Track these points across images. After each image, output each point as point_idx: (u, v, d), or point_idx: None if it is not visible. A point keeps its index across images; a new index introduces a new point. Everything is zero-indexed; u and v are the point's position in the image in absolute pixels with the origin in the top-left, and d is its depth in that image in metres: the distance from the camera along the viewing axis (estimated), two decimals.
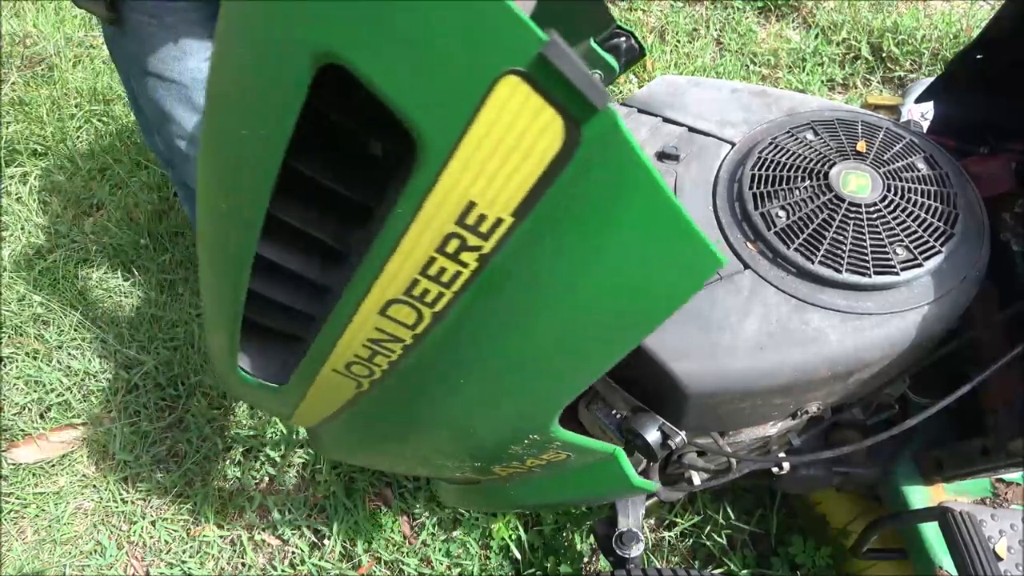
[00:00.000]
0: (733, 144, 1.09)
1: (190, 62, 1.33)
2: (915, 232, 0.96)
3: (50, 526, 1.66)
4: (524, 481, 1.05)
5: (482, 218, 0.60)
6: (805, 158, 1.02)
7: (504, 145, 0.56)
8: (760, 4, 2.70)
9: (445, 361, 0.77)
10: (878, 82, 2.48)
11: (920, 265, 0.94)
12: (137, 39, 1.31)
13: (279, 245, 0.74)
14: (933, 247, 0.95)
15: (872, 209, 0.97)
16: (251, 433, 1.76)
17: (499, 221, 0.60)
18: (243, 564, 1.62)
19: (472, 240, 0.62)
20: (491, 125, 0.55)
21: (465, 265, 0.64)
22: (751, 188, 1.00)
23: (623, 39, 1.11)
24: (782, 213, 0.98)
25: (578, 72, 0.50)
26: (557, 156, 0.55)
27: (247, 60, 0.62)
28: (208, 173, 0.74)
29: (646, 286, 0.66)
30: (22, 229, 2.15)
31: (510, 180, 0.58)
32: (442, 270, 0.65)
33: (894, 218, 0.97)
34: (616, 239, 0.62)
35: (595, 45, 1.08)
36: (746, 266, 0.96)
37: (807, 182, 1.00)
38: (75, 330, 1.94)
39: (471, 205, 0.60)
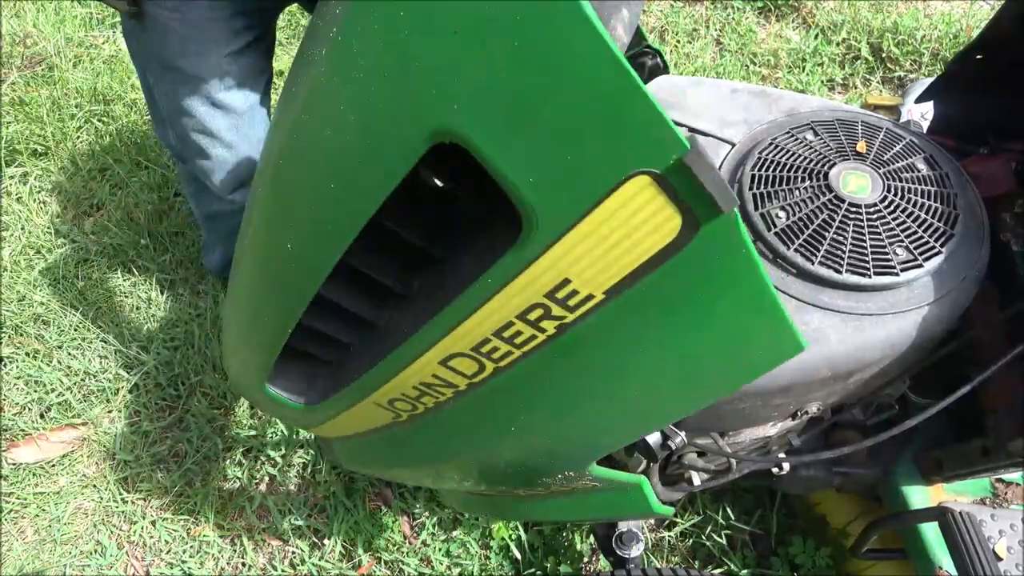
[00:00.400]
0: (733, 144, 1.09)
1: (210, 58, 1.34)
2: (915, 232, 0.96)
3: (50, 526, 1.66)
4: (542, 500, 1.06)
5: (573, 293, 0.60)
6: (805, 158, 1.02)
7: (615, 235, 0.55)
8: (760, 4, 2.70)
9: (495, 408, 0.77)
10: (878, 82, 2.48)
11: (920, 266, 0.94)
12: (158, 33, 1.31)
13: (336, 284, 0.73)
14: (933, 247, 0.95)
15: (872, 209, 0.97)
16: (251, 433, 1.76)
17: (589, 297, 0.60)
18: (243, 564, 1.62)
19: (556, 311, 0.62)
20: (607, 218, 0.54)
21: (543, 331, 0.64)
22: (751, 188, 1.00)
23: (649, 57, 1.11)
24: (782, 214, 0.98)
25: (714, 179, 0.50)
26: (665, 248, 0.55)
27: (357, 123, 0.61)
28: (277, 212, 0.73)
29: (723, 365, 0.66)
30: (22, 229, 2.15)
31: (612, 265, 0.58)
32: (518, 333, 0.65)
33: (894, 218, 0.97)
34: (705, 325, 0.62)
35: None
36: None
37: (807, 182, 1.00)
38: (75, 330, 1.94)
39: (565, 282, 0.59)
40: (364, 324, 0.80)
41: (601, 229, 0.55)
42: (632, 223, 0.54)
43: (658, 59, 1.11)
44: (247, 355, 0.91)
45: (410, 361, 0.73)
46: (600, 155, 0.52)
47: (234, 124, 1.45)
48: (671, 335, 0.63)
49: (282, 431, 1.76)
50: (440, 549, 1.60)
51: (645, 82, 1.13)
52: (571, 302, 0.61)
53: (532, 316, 0.63)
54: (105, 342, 1.92)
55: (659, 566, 1.27)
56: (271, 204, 0.74)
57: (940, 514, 1.06)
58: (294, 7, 1.54)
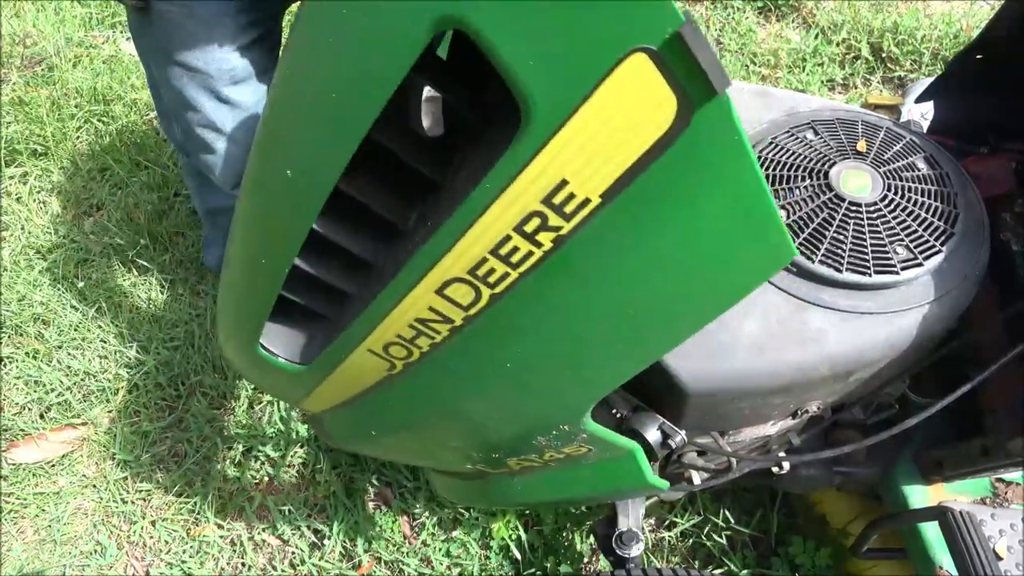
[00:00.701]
0: None
1: (217, 52, 1.34)
2: (915, 231, 0.96)
3: (50, 526, 1.66)
4: (535, 475, 1.05)
5: (570, 197, 0.59)
6: (805, 157, 1.02)
7: (613, 123, 0.55)
8: (760, 4, 2.70)
9: (492, 343, 0.75)
10: (878, 82, 2.48)
11: (920, 264, 0.94)
12: (165, 28, 1.32)
13: (333, 220, 0.72)
14: (933, 246, 0.95)
15: (872, 208, 0.97)
16: (251, 433, 1.76)
17: (586, 202, 0.60)
18: (243, 564, 1.62)
19: (553, 220, 0.61)
20: (606, 102, 0.54)
21: (539, 246, 0.63)
22: None
23: None
24: (782, 213, 0.98)
25: (709, 54, 0.50)
26: (661, 138, 0.55)
27: (358, 18, 0.60)
28: (275, 139, 0.72)
29: (718, 274, 0.65)
30: (22, 229, 2.15)
31: (609, 160, 0.57)
32: (514, 249, 0.64)
33: (894, 217, 0.97)
34: (699, 228, 0.61)
35: None
36: None
37: (807, 181, 1.00)
38: (75, 330, 1.94)
39: (563, 183, 0.59)
40: (360, 267, 0.79)
41: (600, 116, 0.55)
42: (630, 108, 0.54)
43: None
44: (240, 314, 0.89)
45: (406, 293, 0.72)
46: (599, 31, 0.52)
47: (239, 119, 1.45)
48: (665, 241, 0.62)
49: (281, 430, 1.76)
50: (440, 549, 1.60)
51: None
52: (568, 208, 0.60)
53: (529, 227, 0.62)
54: (105, 342, 1.92)
55: (659, 566, 1.27)
56: (267, 143, 0.73)
57: (940, 514, 1.06)
58: (294, 7, 1.54)
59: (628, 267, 0.65)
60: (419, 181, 0.72)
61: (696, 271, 0.65)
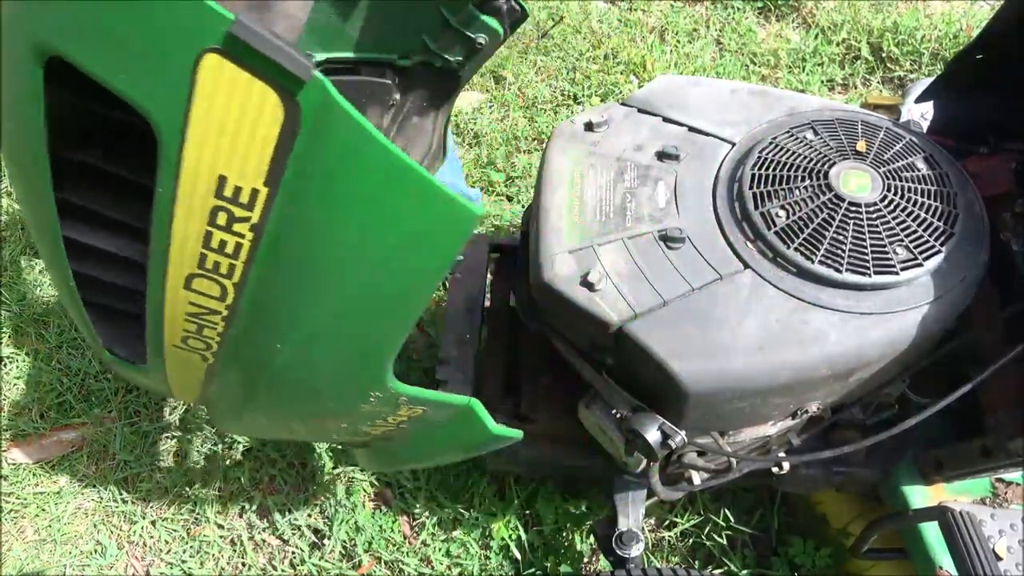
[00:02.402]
0: (733, 144, 1.09)
1: None
2: (915, 232, 0.96)
3: (50, 526, 1.66)
4: (405, 440, 1.08)
5: (238, 190, 0.65)
6: (805, 158, 1.02)
7: (231, 119, 0.60)
8: (760, 4, 2.70)
9: (262, 328, 0.80)
10: (878, 82, 2.48)
11: (920, 265, 0.94)
12: None
13: (91, 227, 0.77)
14: (933, 247, 0.95)
15: (872, 209, 0.97)
16: None
17: (255, 191, 0.65)
18: (243, 564, 1.62)
19: (238, 212, 0.67)
20: (210, 101, 0.59)
21: (241, 236, 0.69)
22: (751, 188, 1.01)
23: (503, 1, 1.09)
24: (782, 213, 0.98)
25: (271, 46, 0.54)
26: (284, 126, 0.59)
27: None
28: (6, 162, 0.80)
29: (408, 240, 0.70)
30: (22, 229, 2.15)
31: (249, 151, 0.62)
32: (223, 242, 0.70)
33: (894, 218, 0.97)
34: (362, 196, 0.66)
35: (474, 9, 1.06)
36: (746, 266, 0.96)
37: (807, 182, 1.00)
38: (75, 330, 1.94)
39: (223, 179, 0.64)
40: (134, 266, 0.83)
41: (214, 114, 0.59)
42: (237, 104, 0.58)
43: (512, 1, 1.08)
44: (80, 328, 0.94)
45: (162, 290, 0.77)
46: (164, 42, 0.57)
47: None
48: (341, 216, 0.67)
49: None
50: (440, 549, 1.60)
51: (507, 28, 1.09)
52: (242, 199, 0.65)
53: (220, 221, 0.67)
54: None
55: (659, 566, 1.27)
56: (7, 167, 0.80)
57: (940, 514, 1.06)
58: None
59: (324, 243, 0.70)
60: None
61: (386, 237, 0.69)
